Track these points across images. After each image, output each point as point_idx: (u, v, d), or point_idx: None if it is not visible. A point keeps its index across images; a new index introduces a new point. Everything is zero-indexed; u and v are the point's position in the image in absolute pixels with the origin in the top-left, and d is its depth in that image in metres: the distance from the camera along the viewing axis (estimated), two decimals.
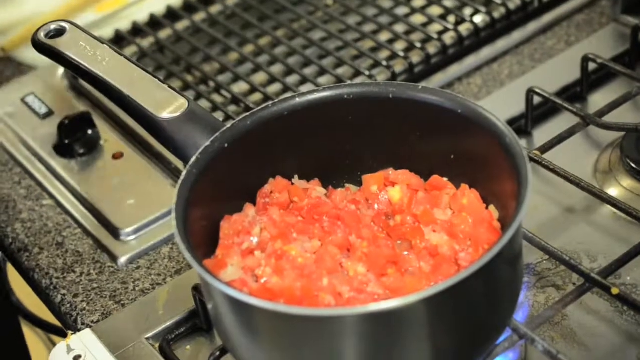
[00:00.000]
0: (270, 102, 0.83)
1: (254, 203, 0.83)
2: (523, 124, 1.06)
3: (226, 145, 0.80)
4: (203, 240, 0.78)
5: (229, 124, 0.81)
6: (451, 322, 0.70)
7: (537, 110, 1.06)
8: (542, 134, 1.05)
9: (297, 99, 0.83)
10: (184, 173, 0.77)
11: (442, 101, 0.80)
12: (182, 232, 0.73)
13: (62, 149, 1.10)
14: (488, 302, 0.72)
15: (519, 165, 0.73)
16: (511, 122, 1.05)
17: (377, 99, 0.83)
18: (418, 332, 0.69)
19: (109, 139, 1.11)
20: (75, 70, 0.87)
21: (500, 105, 1.07)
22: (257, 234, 0.79)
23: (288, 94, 1.09)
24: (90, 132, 1.11)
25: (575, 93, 1.10)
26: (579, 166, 0.98)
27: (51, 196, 1.07)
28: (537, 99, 1.04)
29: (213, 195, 0.80)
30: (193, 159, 0.78)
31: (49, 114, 1.16)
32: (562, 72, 1.11)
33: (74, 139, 1.10)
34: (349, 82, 1.10)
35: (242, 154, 0.81)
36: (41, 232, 1.03)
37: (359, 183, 0.86)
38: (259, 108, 0.83)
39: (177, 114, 0.82)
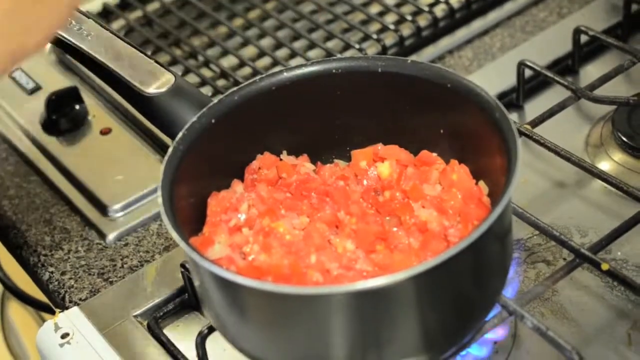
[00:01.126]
0: (257, 77, 0.82)
1: (241, 179, 0.82)
2: (514, 98, 1.05)
3: (213, 120, 0.79)
4: (190, 217, 0.77)
5: (216, 100, 0.80)
6: (440, 298, 0.70)
7: (529, 83, 1.05)
8: (534, 107, 1.04)
9: (285, 74, 0.82)
10: (170, 149, 0.76)
11: (431, 75, 0.79)
12: (169, 209, 0.72)
13: (50, 125, 1.09)
14: (477, 279, 0.72)
15: (509, 141, 0.73)
16: (502, 96, 1.05)
17: (366, 73, 0.82)
18: (406, 310, 0.68)
19: (97, 114, 1.10)
20: (60, 45, 0.85)
21: (492, 78, 1.07)
22: (245, 210, 0.78)
23: (277, 68, 1.09)
24: (77, 107, 1.10)
25: (567, 66, 1.09)
26: (570, 140, 0.98)
27: (39, 172, 1.06)
28: (528, 72, 1.03)
29: (200, 172, 0.79)
30: (179, 135, 0.77)
31: (36, 89, 1.15)
32: (554, 45, 1.10)
33: (62, 114, 1.09)
34: (338, 55, 1.09)
35: (230, 129, 0.80)
36: (29, 208, 1.02)
37: (347, 158, 0.85)
38: (247, 83, 0.82)
39: (164, 89, 0.81)
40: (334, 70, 0.82)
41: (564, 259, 0.87)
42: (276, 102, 0.82)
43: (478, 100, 0.77)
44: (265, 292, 0.67)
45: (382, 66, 0.81)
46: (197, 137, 0.78)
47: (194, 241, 0.75)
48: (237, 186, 0.81)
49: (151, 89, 0.81)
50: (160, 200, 0.72)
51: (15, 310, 1.35)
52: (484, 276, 0.73)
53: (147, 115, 0.83)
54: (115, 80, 0.83)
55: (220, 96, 0.81)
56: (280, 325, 0.70)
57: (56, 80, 1.15)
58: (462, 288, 0.71)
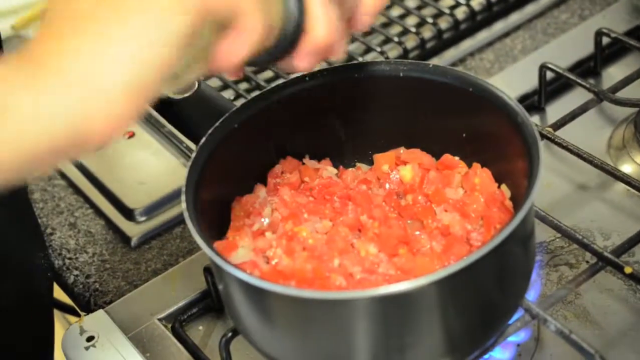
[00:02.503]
0: (280, 82, 0.83)
1: (264, 184, 0.83)
2: (536, 100, 1.05)
3: (236, 125, 0.80)
4: (214, 221, 0.78)
5: (239, 104, 0.81)
6: (463, 303, 0.70)
7: (551, 86, 1.05)
8: (556, 109, 1.04)
9: (308, 79, 0.82)
10: (193, 154, 0.77)
11: (452, 79, 0.80)
12: (192, 213, 0.73)
13: None
14: (500, 282, 0.72)
15: (531, 145, 0.73)
16: (524, 98, 1.05)
17: (388, 77, 0.82)
18: (429, 314, 0.69)
19: None
20: None
21: (513, 80, 1.07)
22: (268, 214, 0.79)
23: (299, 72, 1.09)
24: None
25: (588, 68, 1.09)
26: (592, 143, 0.98)
27: (63, 176, 1.07)
28: (550, 75, 1.03)
29: (223, 176, 0.79)
30: (203, 140, 0.78)
31: None
32: (576, 47, 1.10)
33: None
34: (360, 59, 1.09)
35: (253, 134, 0.81)
36: (53, 212, 1.03)
37: (370, 162, 0.85)
38: (269, 88, 0.82)
39: (187, 94, 0.82)
40: (356, 75, 0.82)
41: (587, 262, 0.87)
42: (298, 107, 0.82)
43: (500, 104, 0.77)
44: (288, 297, 0.67)
45: (404, 70, 0.81)
46: (221, 142, 0.78)
47: (218, 245, 0.75)
48: (260, 190, 0.82)
49: (175, 94, 0.82)
50: (184, 204, 0.73)
51: None
52: (507, 280, 0.73)
53: (170, 119, 0.83)
54: None
55: (243, 100, 0.82)
56: (303, 329, 0.70)
57: None
58: (485, 292, 0.71)
